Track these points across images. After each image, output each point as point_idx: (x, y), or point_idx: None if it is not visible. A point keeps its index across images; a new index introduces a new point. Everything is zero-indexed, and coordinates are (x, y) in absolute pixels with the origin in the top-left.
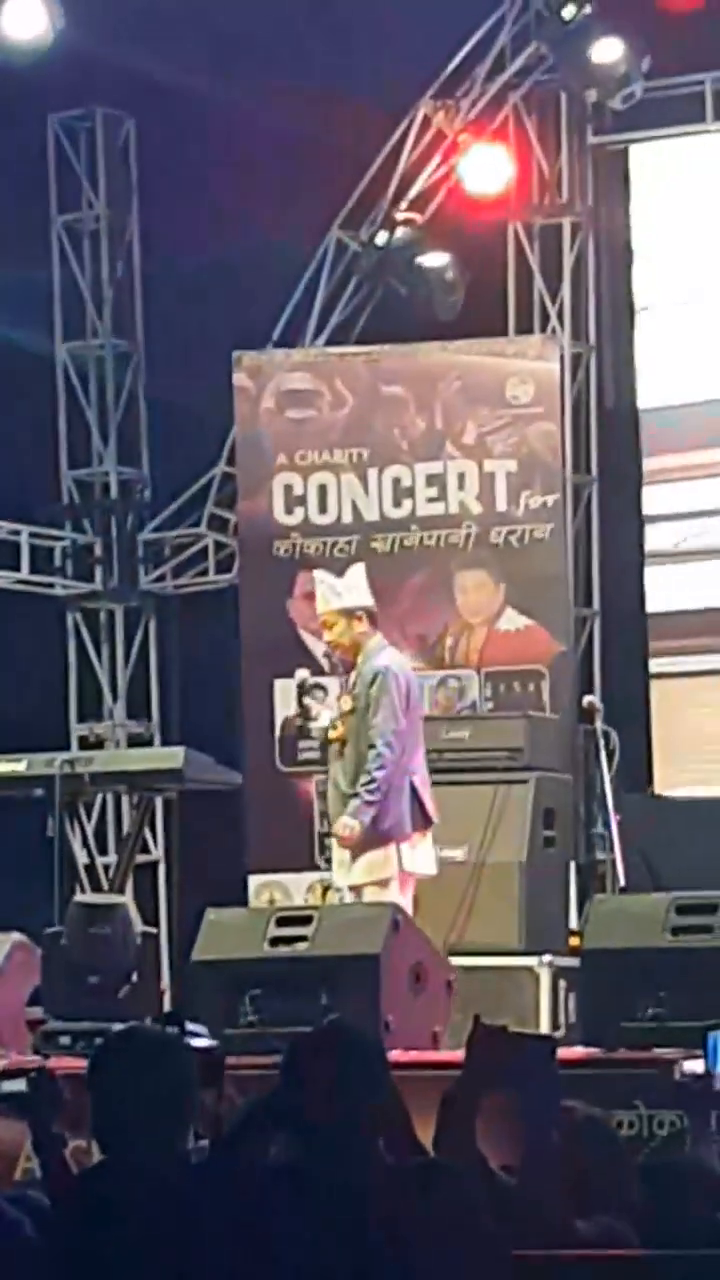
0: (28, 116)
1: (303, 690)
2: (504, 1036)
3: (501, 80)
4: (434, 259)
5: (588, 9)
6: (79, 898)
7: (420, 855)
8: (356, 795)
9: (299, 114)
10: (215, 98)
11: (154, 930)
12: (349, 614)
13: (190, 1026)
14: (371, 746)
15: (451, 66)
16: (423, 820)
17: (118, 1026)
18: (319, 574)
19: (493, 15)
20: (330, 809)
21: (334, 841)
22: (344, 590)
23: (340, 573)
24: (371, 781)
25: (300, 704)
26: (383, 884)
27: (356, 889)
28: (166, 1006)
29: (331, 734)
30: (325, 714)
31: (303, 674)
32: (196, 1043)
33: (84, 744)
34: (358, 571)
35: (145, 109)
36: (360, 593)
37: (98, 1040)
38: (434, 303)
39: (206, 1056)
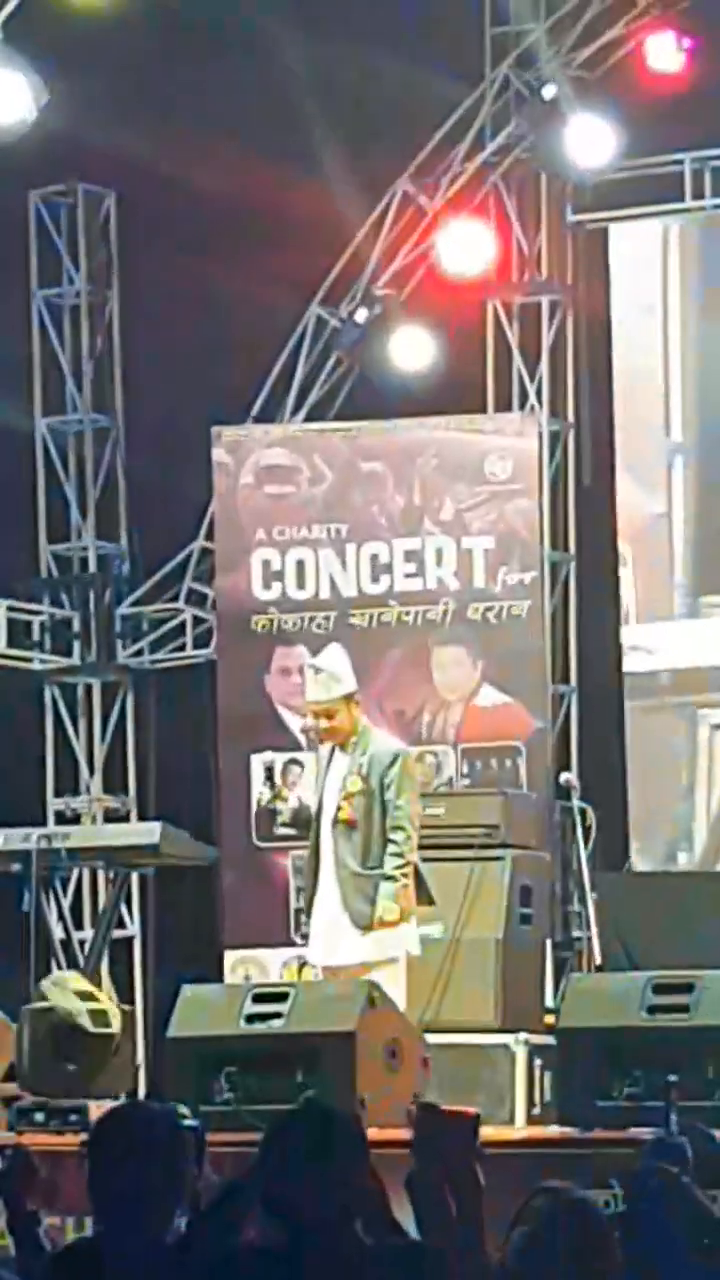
0: (8, 191)
1: (271, 773)
2: (435, 1114)
3: (481, 158)
4: (406, 343)
5: (568, 89)
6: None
7: (415, 934)
8: (391, 878)
9: (279, 190)
10: (195, 174)
11: (129, 1007)
12: (349, 699)
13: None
14: (399, 828)
15: (432, 144)
16: (427, 898)
17: (102, 1103)
18: (309, 664)
19: (473, 94)
20: (341, 890)
21: (331, 921)
22: (341, 675)
23: (316, 651)
24: (405, 864)
25: (270, 784)
26: (393, 962)
27: (360, 970)
28: (141, 1083)
29: (340, 815)
30: (293, 795)
31: (270, 756)
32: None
33: (61, 819)
34: (338, 651)
35: (126, 184)
36: (349, 674)
37: (73, 1117)
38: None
39: (190, 1134)
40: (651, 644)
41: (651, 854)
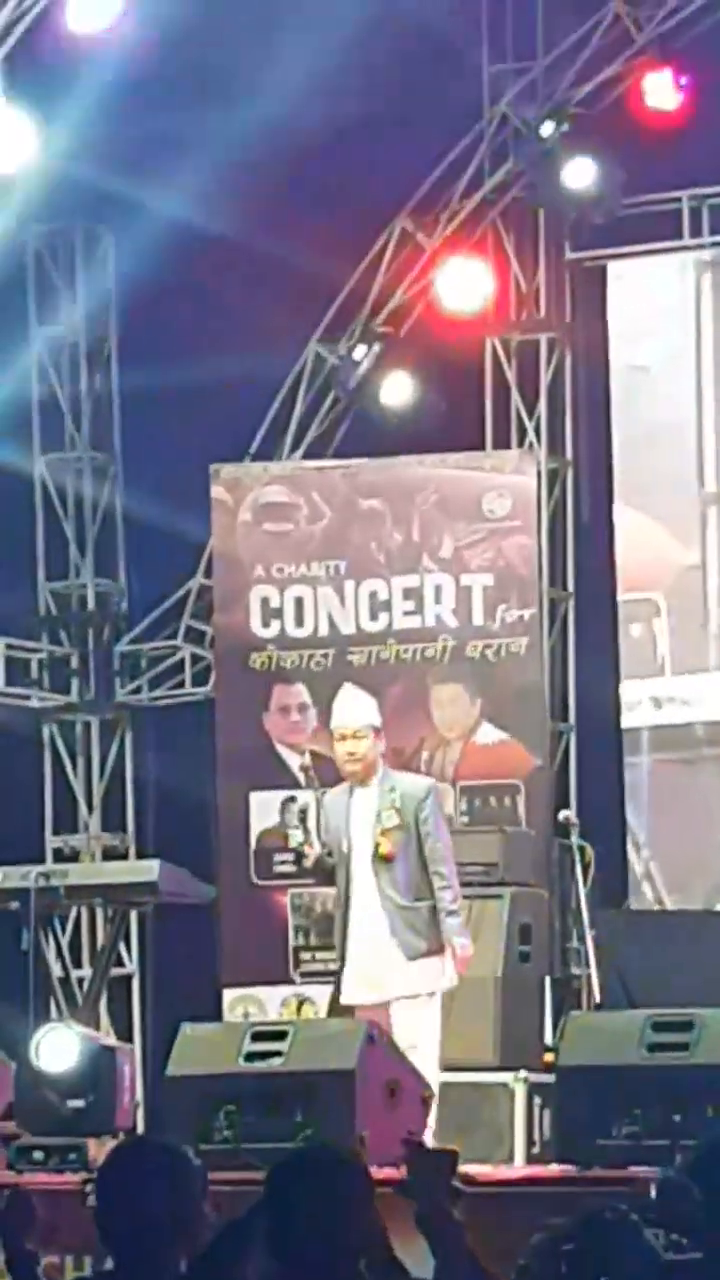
0: (8, 229)
1: (305, 815)
2: (419, 1152)
3: (479, 196)
4: (404, 381)
5: (566, 127)
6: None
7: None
8: (453, 913)
9: (278, 227)
10: (194, 212)
11: (128, 1045)
12: (376, 730)
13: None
14: (444, 860)
15: (430, 182)
16: None
17: (102, 1141)
18: (348, 686)
19: (471, 131)
20: (390, 921)
21: (376, 955)
22: (371, 707)
23: (315, 689)
24: (458, 895)
25: (304, 829)
26: (432, 995)
27: (406, 1001)
28: (139, 1122)
29: (380, 850)
30: (296, 834)
31: (268, 795)
32: None
33: (59, 856)
34: (370, 698)
35: (124, 223)
36: (378, 714)
37: (71, 1156)
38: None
39: (202, 1175)
40: (687, 695)
41: (690, 906)
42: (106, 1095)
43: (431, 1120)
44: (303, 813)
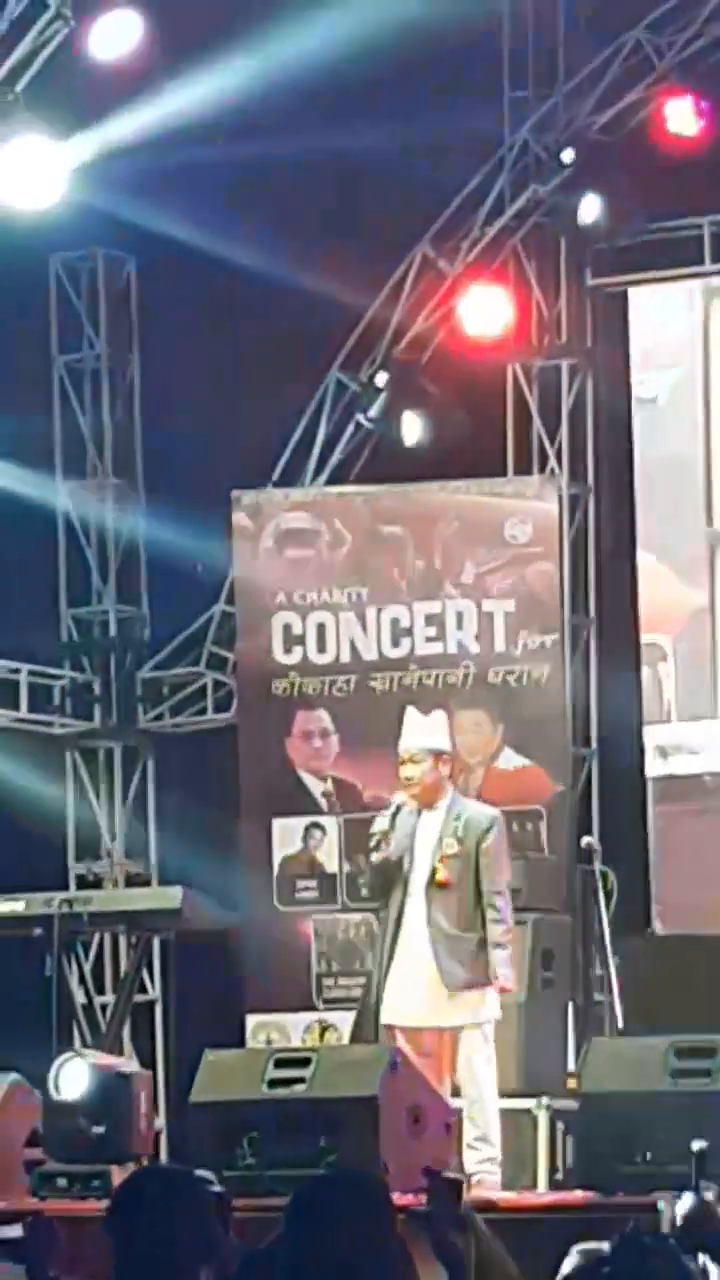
0: (29, 256)
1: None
2: (434, 1180)
3: (500, 223)
4: (425, 407)
5: (587, 153)
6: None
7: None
8: (500, 945)
9: (299, 255)
10: (215, 240)
11: (143, 1070)
12: (436, 754)
13: (198, 1172)
14: (499, 893)
15: (451, 209)
16: None
17: (125, 1168)
18: (411, 710)
19: (492, 159)
20: (434, 950)
21: (419, 981)
22: (435, 730)
23: (336, 715)
24: (509, 929)
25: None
26: (480, 1026)
27: (455, 1031)
28: (162, 1148)
29: (436, 876)
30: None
31: (291, 821)
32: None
33: (82, 883)
34: (442, 717)
35: (146, 249)
36: (445, 735)
37: (95, 1182)
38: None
39: (218, 1201)
40: (695, 744)
41: None
42: (122, 1121)
43: (497, 1147)
44: (397, 809)
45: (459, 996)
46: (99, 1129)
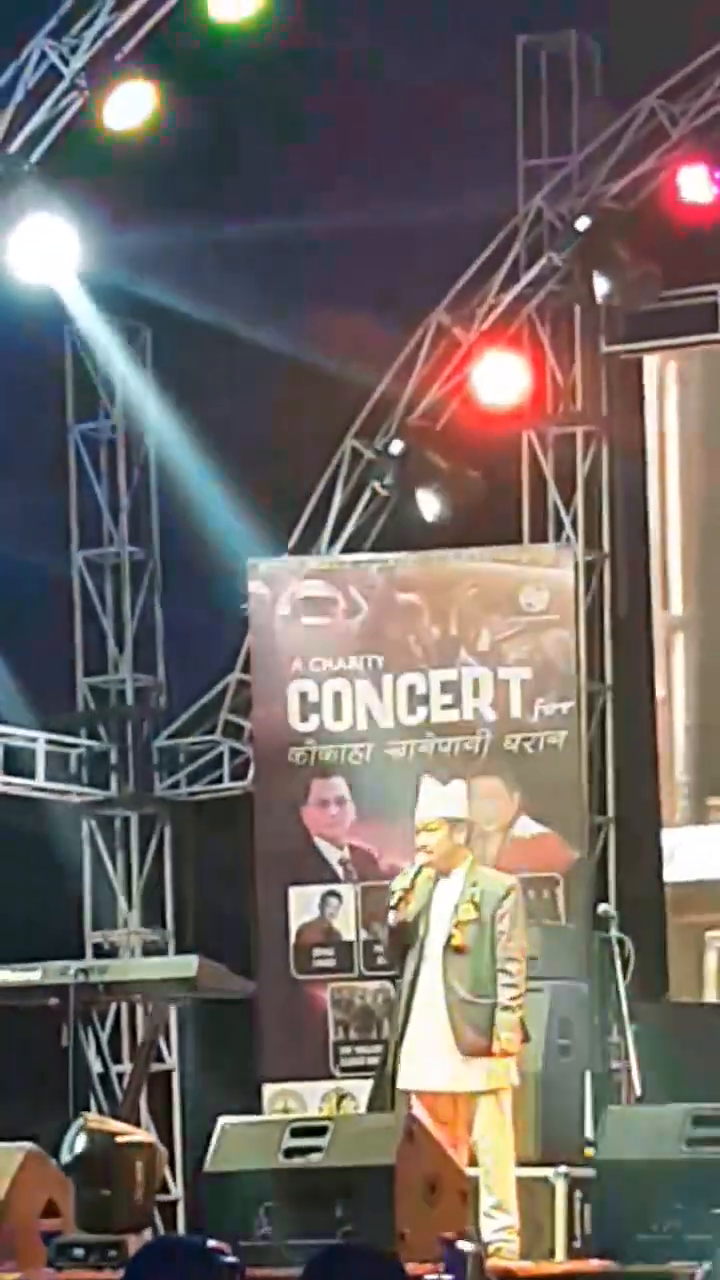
0: (45, 326)
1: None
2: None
3: (515, 290)
4: (441, 475)
5: (601, 221)
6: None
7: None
8: (509, 1009)
9: (314, 323)
10: (231, 306)
11: (148, 1138)
12: (452, 822)
13: (211, 1243)
14: (513, 959)
15: (466, 277)
16: (524, 1034)
17: (141, 1238)
18: (428, 779)
19: (506, 226)
20: (450, 1015)
21: (434, 1047)
22: (451, 800)
23: (353, 783)
24: (521, 995)
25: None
26: (495, 1093)
27: (470, 1097)
28: (180, 1218)
29: (453, 941)
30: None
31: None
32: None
33: (99, 952)
34: (460, 787)
35: (162, 318)
36: (462, 804)
37: (111, 1253)
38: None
39: (228, 1270)
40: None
41: None
42: (124, 1190)
43: (514, 1215)
44: (418, 871)
45: (475, 1062)
46: (102, 1192)
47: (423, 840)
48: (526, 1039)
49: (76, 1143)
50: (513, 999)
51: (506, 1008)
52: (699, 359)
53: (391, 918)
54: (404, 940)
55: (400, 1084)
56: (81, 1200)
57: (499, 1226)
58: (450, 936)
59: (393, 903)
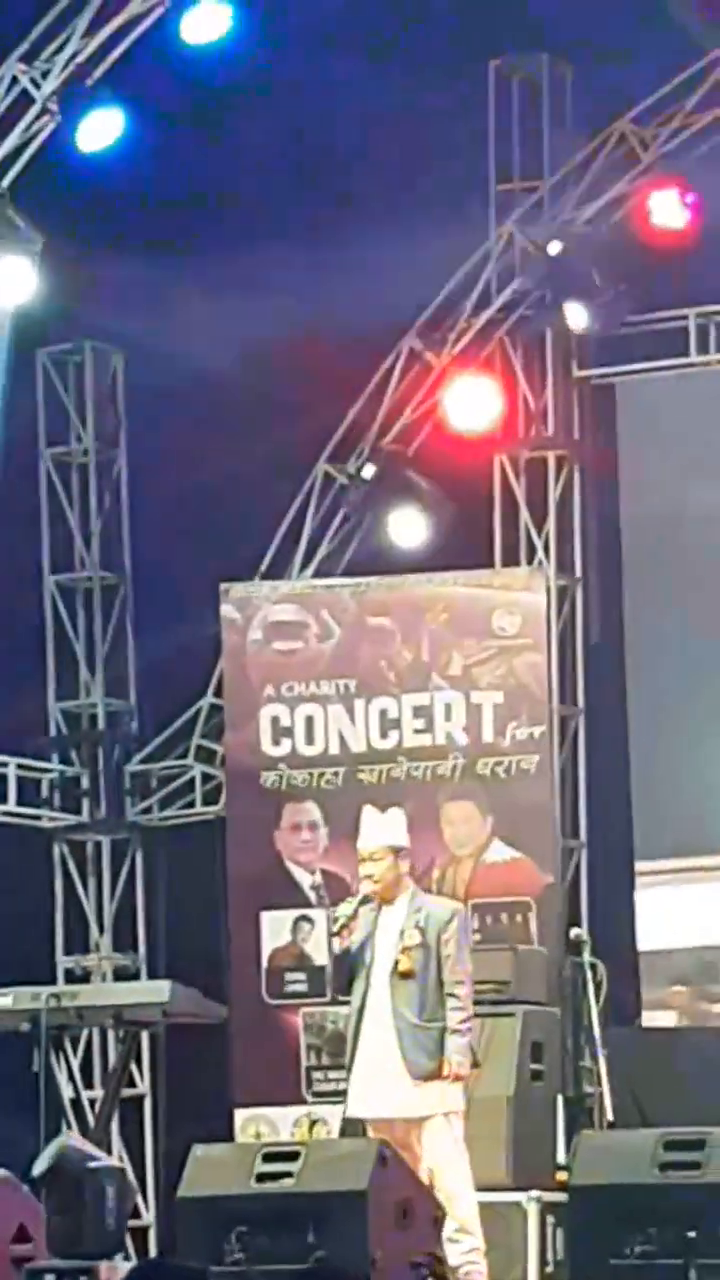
0: (17, 350)
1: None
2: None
3: (487, 315)
4: (413, 500)
5: (572, 245)
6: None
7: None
8: (458, 1032)
9: (286, 347)
10: (203, 331)
11: (119, 1164)
12: (396, 851)
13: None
14: (460, 983)
15: (438, 301)
16: (474, 1061)
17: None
18: (368, 809)
19: (478, 251)
20: (400, 1041)
21: (383, 1072)
22: (393, 828)
23: (325, 807)
24: (469, 1018)
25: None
26: (447, 1117)
27: (419, 1122)
28: (152, 1243)
29: (399, 966)
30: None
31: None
32: None
33: (70, 977)
34: (399, 814)
35: (134, 343)
36: (403, 833)
37: (82, 1278)
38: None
39: None
40: None
41: None
42: (94, 1215)
43: (478, 1236)
44: (363, 900)
45: (424, 1087)
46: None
47: (368, 870)
48: (476, 1064)
49: (49, 1157)
50: (461, 1022)
51: (456, 1031)
52: (671, 383)
53: (335, 945)
54: (350, 968)
55: (350, 1112)
56: (53, 1226)
57: (465, 1250)
58: (396, 962)
59: (335, 929)
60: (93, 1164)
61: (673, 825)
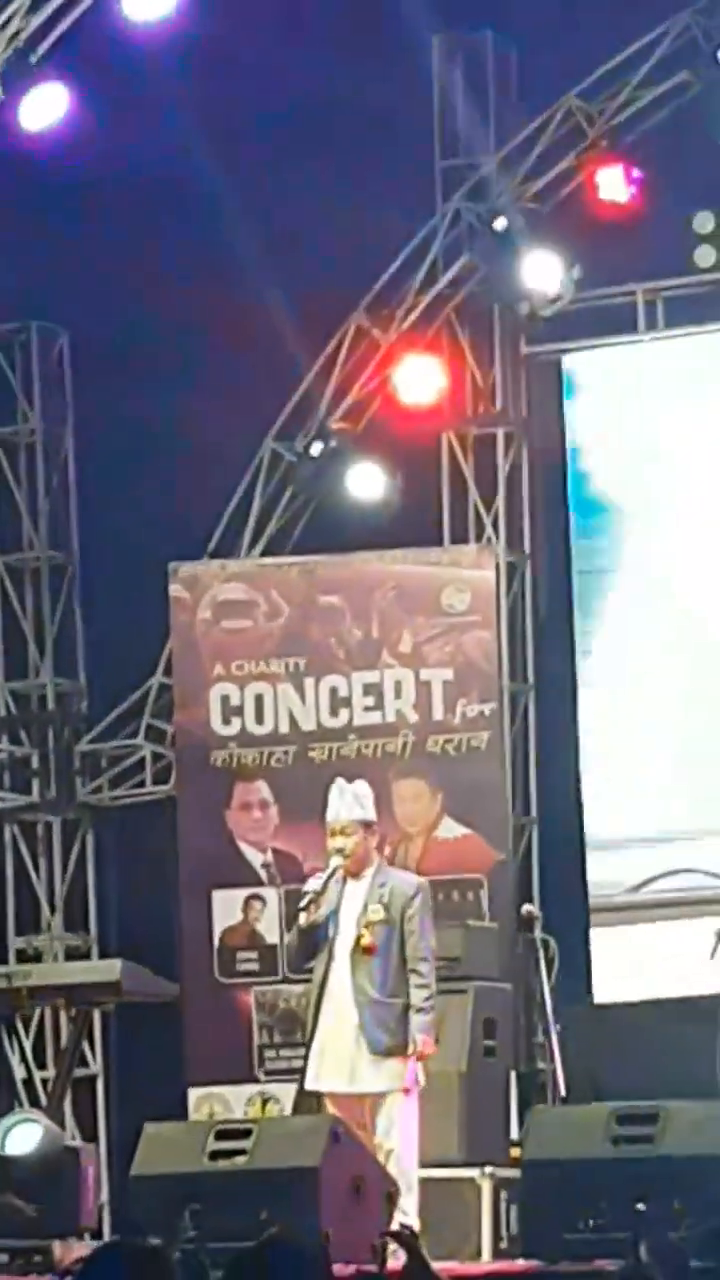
0: None
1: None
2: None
3: (434, 291)
4: (361, 477)
5: (519, 221)
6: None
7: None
8: (421, 1010)
9: (233, 325)
10: (149, 311)
11: (90, 1145)
12: (366, 825)
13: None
14: (424, 960)
15: (385, 278)
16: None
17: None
18: (340, 781)
19: (425, 227)
20: (360, 1016)
21: (344, 1047)
22: (364, 802)
23: (275, 786)
24: (432, 995)
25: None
26: (406, 1091)
27: (377, 1097)
28: (106, 1222)
29: (361, 941)
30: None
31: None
32: None
33: (21, 957)
34: (367, 788)
35: (80, 322)
36: (371, 807)
37: (36, 1258)
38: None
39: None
40: None
41: None
42: (69, 1196)
43: (413, 1215)
44: (331, 874)
45: (383, 1063)
46: (38, 1205)
47: (339, 843)
48: (436, 1041)
49: (25, 1139)
50: (425, 1000)
51: (420, 1009)
52: (619, 358)
53: (302, 919)
54: (313, 942)
55: (309, 1085)
56: (6, 1206)
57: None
58: (359, 937)
59: (303, 904)
60: (69, 1145)
61: (624, 802)
